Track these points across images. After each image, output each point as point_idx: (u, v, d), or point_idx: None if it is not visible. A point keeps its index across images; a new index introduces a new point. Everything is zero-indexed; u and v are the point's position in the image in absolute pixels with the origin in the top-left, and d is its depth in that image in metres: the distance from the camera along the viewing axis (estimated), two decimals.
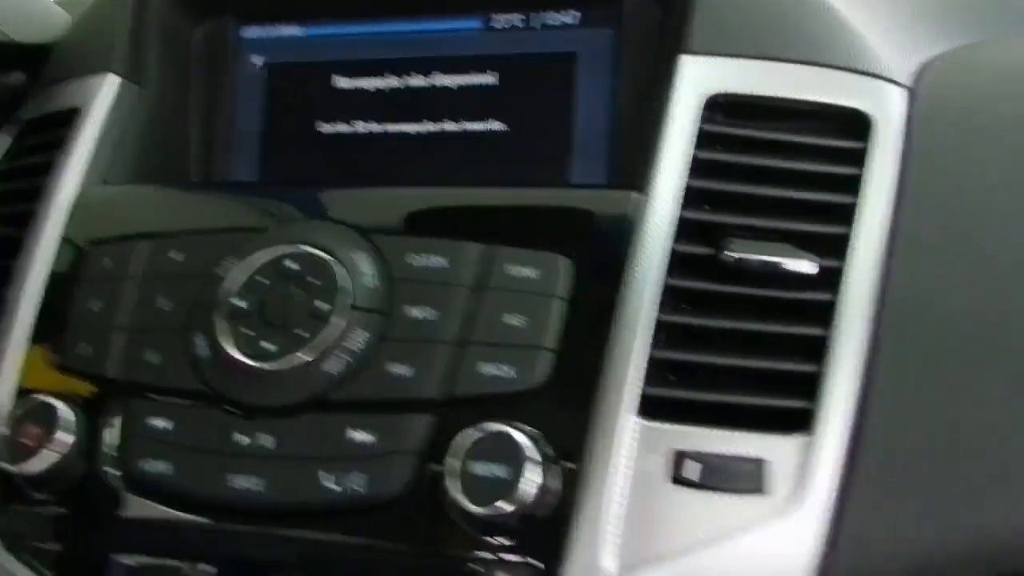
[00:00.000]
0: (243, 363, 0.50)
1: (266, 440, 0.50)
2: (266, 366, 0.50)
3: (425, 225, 0.54)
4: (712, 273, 0.51)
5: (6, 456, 0.51)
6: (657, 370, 0.49)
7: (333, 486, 0.48)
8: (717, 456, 0.47)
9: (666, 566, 0.46)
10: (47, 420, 0.51)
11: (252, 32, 0.69)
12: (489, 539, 0.47)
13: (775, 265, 0.50)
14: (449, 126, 0.64)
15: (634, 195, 0.52)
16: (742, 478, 0.47)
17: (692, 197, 0.52)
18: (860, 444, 0.48)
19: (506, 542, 0.47)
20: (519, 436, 0.46)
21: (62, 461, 0.51)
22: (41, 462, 0.51)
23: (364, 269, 0.51)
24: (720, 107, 0.54)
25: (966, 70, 0.59)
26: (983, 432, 0.48)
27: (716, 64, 0.55)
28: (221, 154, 0.68)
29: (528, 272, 0.50)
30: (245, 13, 0.69)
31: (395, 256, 0.52)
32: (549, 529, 0.47)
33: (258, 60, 0.69)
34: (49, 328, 0.56)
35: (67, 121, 0.63)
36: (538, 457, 0.46)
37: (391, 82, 0.66)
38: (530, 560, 0.46)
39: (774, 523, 0.46)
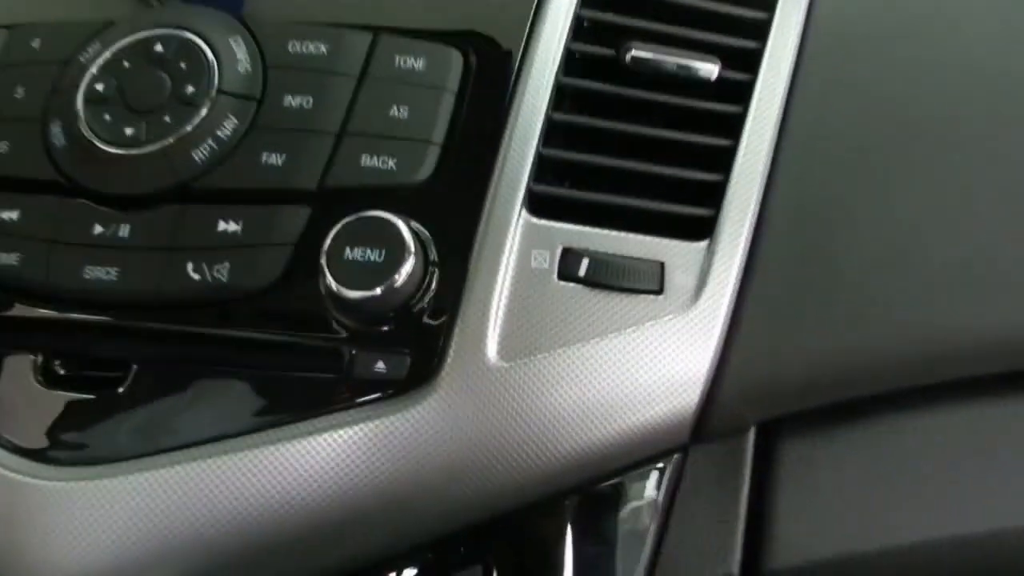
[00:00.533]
0: (102, 150, 0.46)
1: (124, 230, 0.46)
2: (126, 152, 0.46)
3: (307, 15, 0.50)
4: (612, 77, 0.48)
5: None
6: (549, 170, 0.46)
7: (195, 276, 0.45)
8: (609, 254, 0.45)
9: (550, 356, 0.43)
10: None
11: None
12: (364, 331, 0.44)
13: (681, 68, 0.48)
14: None
15: None
16: (637, 276, 0.44)
17: None
18: (758, 254, 0.46)
19: (383, 334, 0.44)
20: (396, 220, 0.43)
21: None
22: None
23: (238, 55, 0.47)
24: None
25: None
26: (878, 244, 0.46)
27: None
28: None
29: (416, 63, 0.47)
30: None
31: (272, 42, 0.48)
32: (427, 323, 0.44)
33: None
34: None
35: None
36: (414, 243, 0.43)
37: None
38: (406, 351, 0.43)
39: (668, 322, 0.44)
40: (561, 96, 0.48)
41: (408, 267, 0.42)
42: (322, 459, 0.43)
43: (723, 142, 0.47)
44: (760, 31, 0.50)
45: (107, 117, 0.47)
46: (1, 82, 0.50)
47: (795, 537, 0.46)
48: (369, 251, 0.43)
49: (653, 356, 0.44)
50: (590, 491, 0.46)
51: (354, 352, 0.44)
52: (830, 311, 0.45)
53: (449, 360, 0.43)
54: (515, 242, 0.45)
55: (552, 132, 0.47)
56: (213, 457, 0.43)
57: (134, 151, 0.46)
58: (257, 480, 0.43)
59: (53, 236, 0.46)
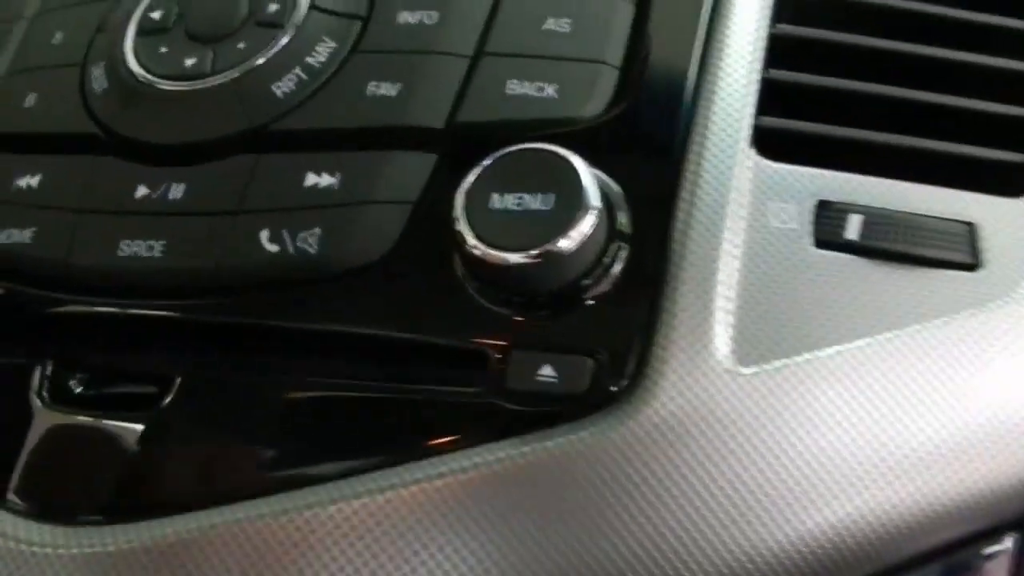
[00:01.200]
0: (151, 87, 0.33)
1: (176, 190, 0.32)
2: (184, 87, 0.33)
3: None
4: None
5: None
6: (779, 102, 0.31)
7: (272, 246, 0.30)
8: (892, 211, 0.29)
9: (815, 361, 0.28)
10: None
11: None
12: (520, 321, 0.29)
13: None
14: None
15: None
16: (940, 241, 0.29)
17: None
18: None
19: (549, 326, 0.29)
20: (568, 154, 0.28)
21: None
22: None
23: None
24: None
25: None
26: None
27: None
28: None
29: None
30: None
31: None
32: (617, 310, 0.28)
33: None
34: None
35: None
36: (595, 189, 0.28)
37: None
38: (586, 352, 0.28)
39: (995, 311, 0.28)
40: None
41: (588, 222, 0.28)
42: (454, 523, 0.28)
43: None
44: None
45: (163, 49, 0.34)
46: (37, 29, 0.38)
47: None
48: (528, 197, 0.28)
49: (975, 363, 0.28)
50: None
51: (506, 353, 0.28)
52: None
53: (657, 368, 0.28)
54: (744, 194, 0.30)
55: (782, 50, 0.32)
56: (281, 515, 0.28)
57: (194, 85, 0.33)
58: (363, 540, 0.27)
59: (82, 203, 0.33)
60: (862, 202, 0.29)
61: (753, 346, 0.28)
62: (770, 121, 0.31)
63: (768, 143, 0.31)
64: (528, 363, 0.28)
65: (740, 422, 0.27)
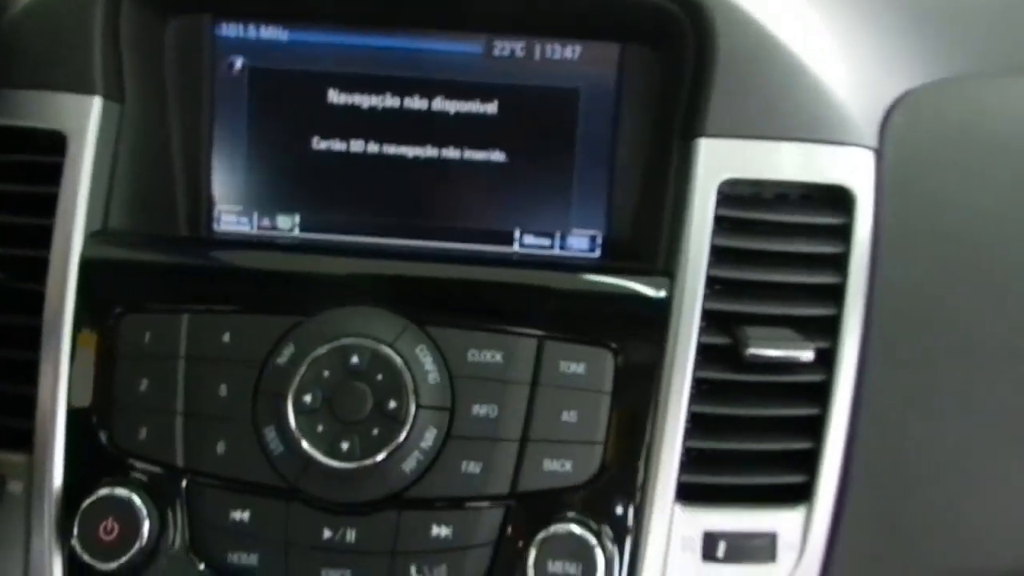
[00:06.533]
0: (322, 463, 0.54)
1: (350, 534, 0.55)
2: (344, 465, 0.54)
3: (476, 309, 0.57)
4: (730, 363, 0.58)
5: (88, 551, 0.54)
6: (687, 457, 0.57)
7: None
8: (737, 535, 0.57)
9: None
10: (127, 513, 0.54)
11: (230, 31, 0.65)
12: None
13: (788, 358, 0.58)
14: (449, 152, 0.66)
15: (666, 283, 0.58)
16: (758, 552, 0.57)
17: (711, 285, 0.58)
18: (844, 510, 0.59)
19: None
20: (587, 536, 0.54)
21: (138, 555, 0.54)
22: (125, 557, 0.54)
23: (427, 365, 0.55)
24: (727, 191, 0.59)
25: (931, 117, 0.65)
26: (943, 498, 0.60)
27: (727, 147, 0.59)
28: (206, 175, 0.66)
29: (578, 368, 0.56)
30: (221, 7, 0.65)
31: (454, 352, 0.56)
32: None
33: (238, 61, 0.66)
34: (84, 404, 0.56)
35: (50, 147, 0.59)
36: (603, 557, 0.54)
37: (389, 101, 0.65)
38: None
39: None
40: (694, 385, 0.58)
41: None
42: None
43: (814, 411, 0.59)
44: (838, 296, 0.60)
45: (320, 428, 0.54)
46: (195, 375, 0.56)
47: None
48: (567, 565, 0.54)
49: None
50: None
51: None
52: (907, 553, 0.59)
53: None
54: (671, 532, 0.56)
55: (692, 422, 0.57)
56: None
57: (351, 465, 0.54)
58: None
59: (287, 539, 0.55)
60: (725, 528, 0.57)
61: None
62: (685, 478, 0.57)
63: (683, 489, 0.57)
64: None
65: None
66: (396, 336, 0.55)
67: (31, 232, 0.58)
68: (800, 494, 0.58)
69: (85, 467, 0.56)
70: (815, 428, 0.58)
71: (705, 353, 0.58)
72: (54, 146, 0.59)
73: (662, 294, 0.57)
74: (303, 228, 0.66)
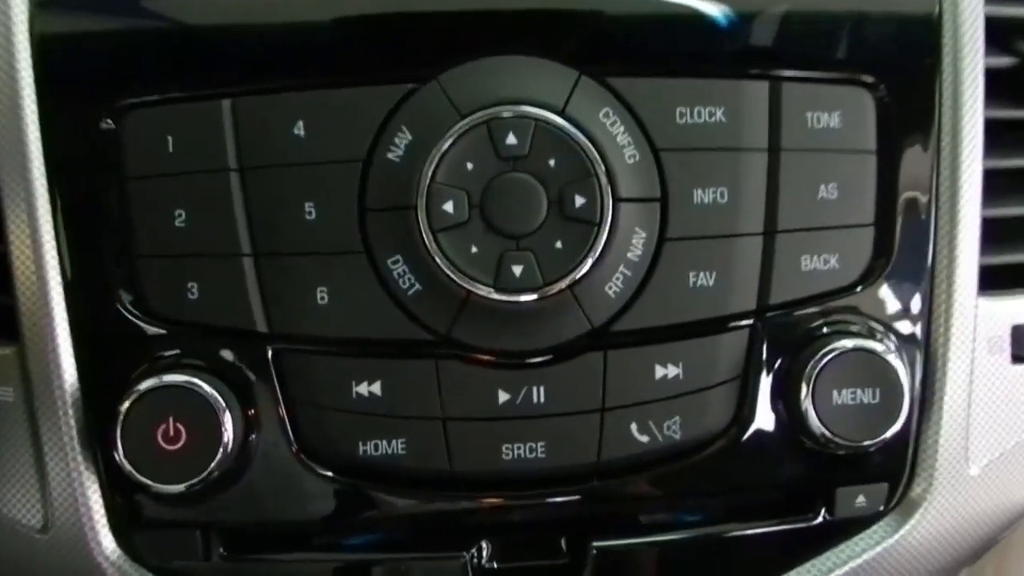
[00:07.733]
0: (486, 298, 0.36)
1: (538, 394, 0.37)
2: (520, 298, 0.36)
3: (674, 50, 0.38)
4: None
5: (145, 470, 0.36)
6: (985, 231, 0.40)
7: (643, 438, 0.38)
8: None
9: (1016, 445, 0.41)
10: (196, 407, 0.36)
11: None
12: (837, 466, 0.39)
13: None
14: None
15: None
16: None
17: None
18: None
19: (857, 465, 0.39)
20: (877, 348, 0.37)
21: (222, 464, 0.36)
22: (204, 471, 0.36)
23: (619, 138, 0.37)
24: None
25: None
26: None
27: None
28: None
29: (832, 120, 0.38)
30: None
31: (655, 113, 0.37)
32: (900, 442, 0.39)
33: None
34: (89, 259, 0.38)
35: None
36: (907, 373, 0.38)
37: None
38: (884, 478, 0.40)
39: None
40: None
41: (907, 407, 0.37)
42: None
43: None
44: None
45: (473, 249, 0.36)
46: (260, 193, 0.37)
47: None
48: (861, 393, 0.37)
49: None
50: None
51: (833, 491, 0.39)
52: None
53: (926, 477, 0.40)
54: (976, 331, 0.40)
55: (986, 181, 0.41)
56: None
57: (528, 297, 0.36)
58: None
59: (447, 412, 0.37)
60: None
61: (983, 450, 0.40)
62: (987, 260, 0.40)
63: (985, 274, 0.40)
64: (849, 495, 0.39)
65: (985, 507, 0.41)
66: (567, 96, 0.37)
67: None
68: None
69: (107, 351, 0.37)
70: None
71: (993, 81, 0.40)
72: None
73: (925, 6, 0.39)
74: None
